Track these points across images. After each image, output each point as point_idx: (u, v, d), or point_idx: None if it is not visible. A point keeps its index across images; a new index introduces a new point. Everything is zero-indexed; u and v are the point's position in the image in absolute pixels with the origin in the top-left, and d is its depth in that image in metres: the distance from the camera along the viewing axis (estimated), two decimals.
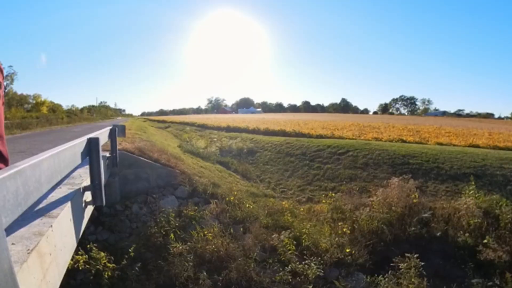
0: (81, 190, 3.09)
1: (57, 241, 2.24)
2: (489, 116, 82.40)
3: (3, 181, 1.13)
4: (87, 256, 4.31)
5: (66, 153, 2.41)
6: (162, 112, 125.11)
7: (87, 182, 3.28)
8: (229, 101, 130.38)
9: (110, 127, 5.15)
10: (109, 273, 4.28)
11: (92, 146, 3.07)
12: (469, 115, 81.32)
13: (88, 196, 3.26)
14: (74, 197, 2.81)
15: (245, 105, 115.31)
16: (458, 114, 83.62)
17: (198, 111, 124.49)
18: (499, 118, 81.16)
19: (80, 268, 4.18)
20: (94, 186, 3.16)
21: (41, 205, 2.55)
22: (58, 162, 2.14)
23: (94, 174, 3.11)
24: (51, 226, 2.15)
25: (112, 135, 5.25)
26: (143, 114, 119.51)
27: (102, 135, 4.27)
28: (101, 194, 3.22)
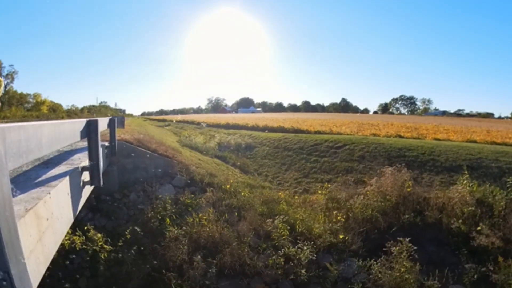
0: (80, 169, 3.20)
1: (54, 209, 2.34)
2: (489, 115, 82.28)
3: (7, 130, 1.31)
4: (84, 237, 4.39)
5: (66, 126, 2.56)
6: (162, 112, 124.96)
7: (85, 163, 3.39)
8: (229, 101, 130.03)
9: (110, 117, 5.27)
10: (105, 255, 4.37)
11: (91, 127, 3.21)
12: (469, 115, 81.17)
13: (86, 176, 3.38)
14: (72, 174, 2.93)
15: (245, 104, 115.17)
16: (458, 114, 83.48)
17: (198, 111, 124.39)
18: (499, 118, 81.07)
19: (77, 249, 4.26)
20: (92, 166, 3.27)
21: (40, 178, 2.67)
22: (58, 132, 2.29)
23: (92, 154, 3.23)
24: (49, 193, 2.27)
25: (111, 124, 5.34)
26: (143, 114, 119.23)
27: (102, 122, 4.38)
28: (98, 175, 3.33)
